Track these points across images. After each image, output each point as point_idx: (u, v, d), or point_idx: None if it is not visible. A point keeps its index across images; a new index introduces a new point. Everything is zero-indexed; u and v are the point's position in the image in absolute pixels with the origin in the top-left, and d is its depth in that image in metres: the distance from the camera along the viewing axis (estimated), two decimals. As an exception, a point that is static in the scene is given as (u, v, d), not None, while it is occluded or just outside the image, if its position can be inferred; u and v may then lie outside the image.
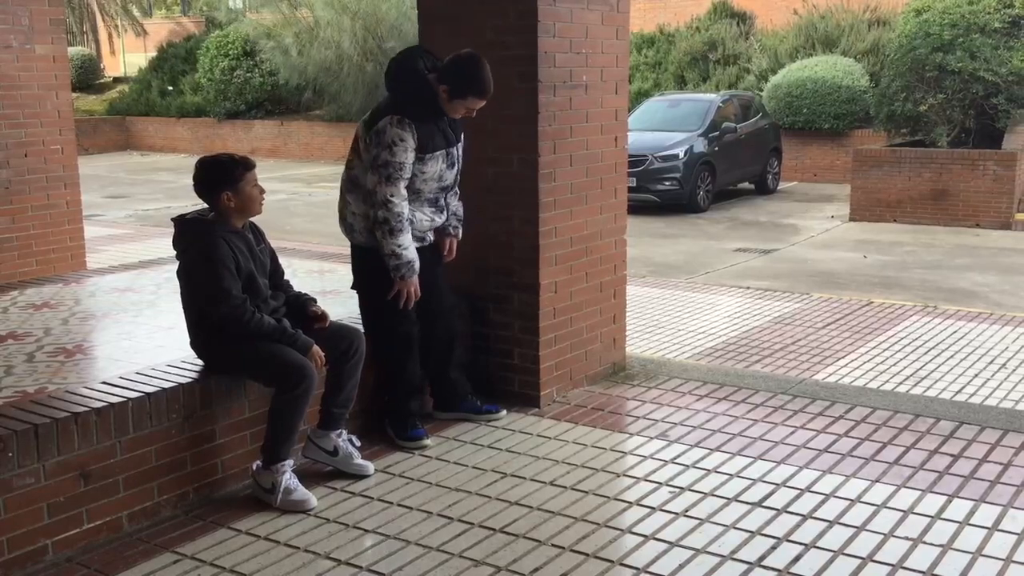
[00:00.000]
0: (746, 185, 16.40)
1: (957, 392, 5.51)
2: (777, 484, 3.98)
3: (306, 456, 4.10)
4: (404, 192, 4.16)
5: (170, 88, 26.80)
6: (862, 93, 17.38)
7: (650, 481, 4.02)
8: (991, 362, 6.10)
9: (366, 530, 3.59)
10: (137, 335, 4.88)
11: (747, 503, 3.80)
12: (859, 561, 3.34)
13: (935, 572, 3.27)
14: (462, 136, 4.44)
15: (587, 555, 3.39)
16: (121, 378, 3.82)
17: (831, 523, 3.62)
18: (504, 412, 4.76)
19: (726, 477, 4.05)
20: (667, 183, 14.11)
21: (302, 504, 3.76)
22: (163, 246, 8.56)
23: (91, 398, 3.58)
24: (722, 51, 20.64)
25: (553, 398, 4.98)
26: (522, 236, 4.79)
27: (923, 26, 13.69)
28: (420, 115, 4.17)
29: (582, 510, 3.75)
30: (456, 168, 4.41)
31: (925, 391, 5.50)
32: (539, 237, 4.76)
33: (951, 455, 4.26)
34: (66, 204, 7.04)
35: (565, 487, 3.96)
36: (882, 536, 3.51)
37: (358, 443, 4.15)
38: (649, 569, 3.30)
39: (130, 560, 3.38)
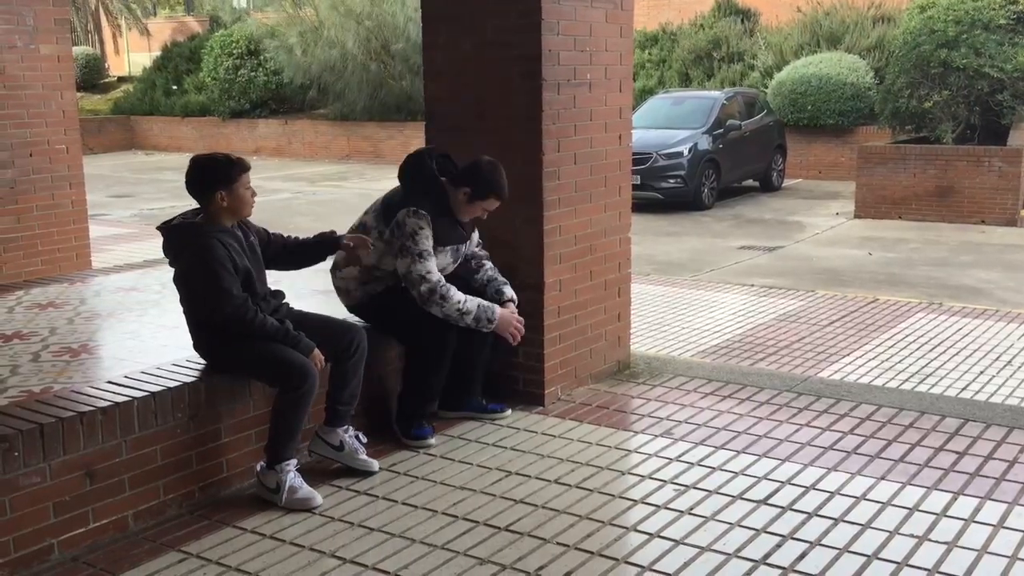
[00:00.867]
0: (751, 182, 16.37)
1: (962, 389, 5.50)
2: (782, 482, 3.97)
3: (312, 451, 4.11)
4: (436, 268, 4.34)
5: (174, 87, 26.83)
6: (867, 90, 17.34)
7: (655, 479, 4.02)
8: (996, 359, 6.09)
9: (371, 528, 3.60)
10: (142, 334, 4.89)
11: (752, 501, 3.80)
12: (864, 559, 3.33)
13: (940, 569, 3.26)
14: (473, 235, 4.65)
15: (592, 553, 3.39)
16: (126, 377, 3.83)
17: (836, 520, 3.62)
18: (509, 411, 4.77)
19: (731, 475, 4.05)
20: (671, 181, 14.09)
21: (307, 502, 3.76)
22: (168, 245, 8.58)
23: (96, 398, 3.58)
24: (726, 48, 20.61)
25: (558, 396, 4.98)
26: (526, 234, 4.79)
27: (928, 22, 13.66)
28: (433, 211, 4.37)
29: (587, 508, 3.75)
30: (458, 262, 4.60)
31: (930, 388, 5.49)
32: (543, 235, 4.76)
33: (956, 452, 4.26)
34: (71, 204, 7.05)
35: (570, 485, 3.96)
36: (887, 533, 3.51)
37: (364, 439, 4.15)
38: (654, 567, 3.30)
39: (136, 559, 3.39)
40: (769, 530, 3.55)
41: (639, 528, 3.59)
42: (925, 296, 8.24)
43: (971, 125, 13.84)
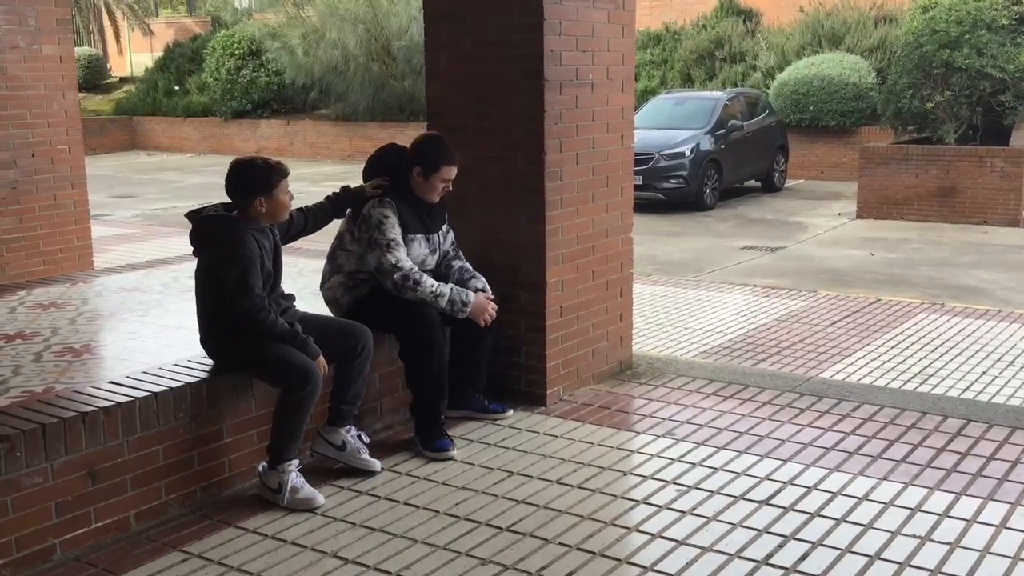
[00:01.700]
0: (753, 183, 16.37)
1: (964, 390, 5.49)
2: (784, 482, 3.97)
3: (314, 451, 4.11)
4: (406, 256, 4.34)
5: (176, 88, 26.85)
6: (869, 90, 17.34)
7: (657, 479, 4.02)
8: (999, 359, 6.08)
9: (373, 529, 3.60)
10: (144, 335, 4.89)
11: (754, 501, 3.80)
12: (866, 559, 3.33)
13: (943, 570, 3.26)
14: (444, 227, 4.62)
15: (594, 553, 3.39)
16: (128, 377, 3.83)
17: (838, 521, 3.62)
18: (511, 411, 4.77)
19: (733, 475, 4.05)
20: (674, 181, 14.09)
21: (309, 503, 3.76)
22: (170, 246, 8.60)
23: (99, 398, 3.58)
24: (728, 49, 20.62)
25: (560, 396, 4.98)
26: (528, 234, 4.79)
27: (930, 23, 13.65)
28: (397, 199, 4.40)
29: (589, 508, 3.74)
30: (438, 255, 4.59)
31: (932, 389, 5.48)
32: (545, 235, 4.76)
33: (959, 453, 4.25)
34: (73, 204, 7.06)
35: (572, 485, 3.96)
36: (889, 534, 3.51)
37: (367, 439, 4.16)
38: (656, 567, 3.30)
39: (138, 559, 3.39)
40: (771, 530, 3.55)
41: (641, 528, 3.59)
42: (927, 297, 8.23)
43: (973, 125, 13.82)
